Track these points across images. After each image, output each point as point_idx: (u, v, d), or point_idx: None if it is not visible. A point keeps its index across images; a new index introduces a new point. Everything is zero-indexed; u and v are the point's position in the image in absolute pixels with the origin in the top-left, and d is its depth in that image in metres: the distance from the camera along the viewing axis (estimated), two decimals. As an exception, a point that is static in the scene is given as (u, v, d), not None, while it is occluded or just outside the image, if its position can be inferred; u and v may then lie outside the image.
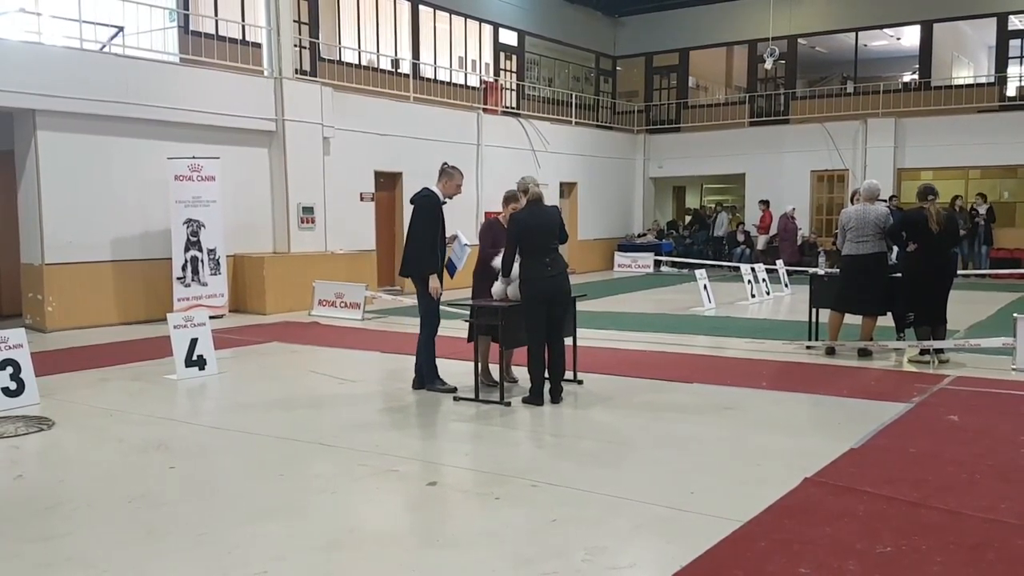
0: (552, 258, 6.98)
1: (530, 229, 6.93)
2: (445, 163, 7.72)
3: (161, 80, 12.68)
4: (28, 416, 6.71)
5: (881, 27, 22.51)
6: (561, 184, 21.34)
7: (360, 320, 12.65)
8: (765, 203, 21.46)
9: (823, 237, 21.09)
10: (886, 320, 9.33)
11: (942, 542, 4.10)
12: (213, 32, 14.70)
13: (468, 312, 7.38)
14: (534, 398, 7.04)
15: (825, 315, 9.58)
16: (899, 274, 9.03)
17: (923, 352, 8.76)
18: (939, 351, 8.73)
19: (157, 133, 12.55)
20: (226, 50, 14.15)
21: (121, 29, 12.64)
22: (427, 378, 7.63)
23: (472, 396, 7.22)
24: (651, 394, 7.55)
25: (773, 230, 21.15)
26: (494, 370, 7.66)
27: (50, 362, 8.74)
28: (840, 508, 4.55)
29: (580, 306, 7.89)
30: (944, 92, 21.23)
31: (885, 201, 9.98)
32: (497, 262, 7.17)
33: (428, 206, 7.38)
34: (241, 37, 14.99)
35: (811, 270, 10.93)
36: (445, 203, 7.55)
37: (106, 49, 12.49)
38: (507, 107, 21.21)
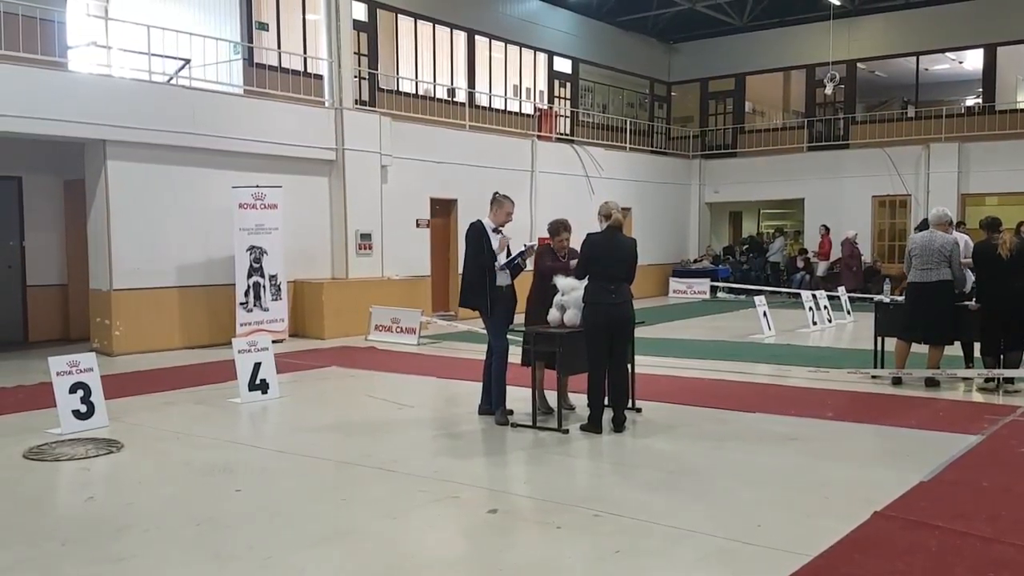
0: (617, 286, 6.94)
1: (601, 253, 6.92)
2: (496, 192, 7.73)
3: (226, 111, 13.02)
4: (98, 439, 6.88)
5: (943, 51, 22.11)
6: (616, 210, 21.26)
7: (416, 345, 12.74)
8: (825, 228, 21.19)
9: (886, 263, 20.68)
10: (955, 349, 9.10)
11: (1021, 580, 3.97)
12: (276, 64, 15.08)
13: (523, 338, 7.36)
14: (593, 426, 6.98)
15: (891, 343, 9.39)
16: (967, 303, 8.88)
17: (987, 380, 8.61)
18: (1009, 380, 8.52)
19: (222, 162, 12.88)
20: (288, 82, 14.48)
21: (188, 62, 13.04)
22: (494, 403, 7.53)
23: (529, 423, 7.19)
24: (712, 423, 7.45)
25: (833, 256, 20.82)
26: (550, 397, 7.60)
27: (117, 385, 8.93)
28: (912, 543, 4.43)
29: (637, 332, 7.83)
30: (1009, 116, 20.74)
31: (955, 226, 9.78)
32: (559, 281, 7.13)
33: (469, 236, 7.47)
34: (303, 69, 15.34)
35: (876, 297, 10.70)
36: (499, 231, 7.53)
37: (173, 81, 12.89)
38: (561, 134, 21.28)
